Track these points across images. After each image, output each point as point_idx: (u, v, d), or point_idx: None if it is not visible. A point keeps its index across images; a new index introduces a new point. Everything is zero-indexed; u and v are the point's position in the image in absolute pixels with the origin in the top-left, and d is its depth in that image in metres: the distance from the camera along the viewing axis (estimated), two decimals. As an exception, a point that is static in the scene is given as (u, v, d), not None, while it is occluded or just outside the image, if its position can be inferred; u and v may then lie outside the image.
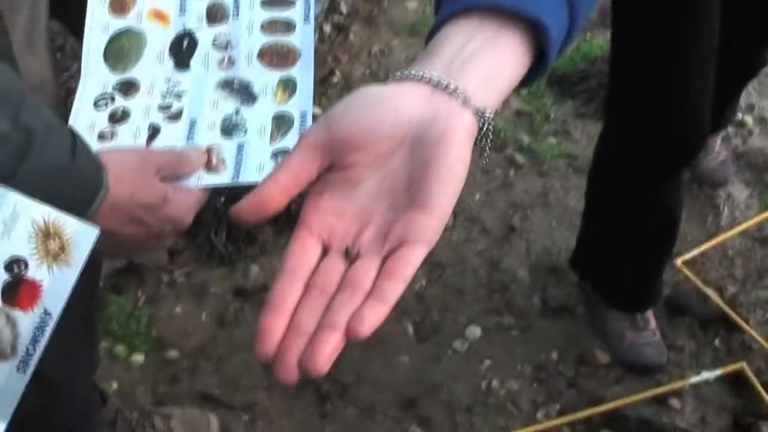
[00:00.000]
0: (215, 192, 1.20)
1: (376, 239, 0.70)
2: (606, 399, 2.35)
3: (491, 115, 0.75)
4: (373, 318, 0.66)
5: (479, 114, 0.73)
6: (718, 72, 2.05)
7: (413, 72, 0.73)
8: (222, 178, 1.18)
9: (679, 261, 2.69)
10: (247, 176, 1.18)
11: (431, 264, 2.66)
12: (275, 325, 0.66)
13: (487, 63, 0.75)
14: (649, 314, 2.49)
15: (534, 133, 3.20)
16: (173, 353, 2.40)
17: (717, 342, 2.55)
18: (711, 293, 2.63)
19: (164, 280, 2.60)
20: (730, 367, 2.45)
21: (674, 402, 2.37)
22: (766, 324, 2.63)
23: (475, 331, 2.50)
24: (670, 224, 2.32)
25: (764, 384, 2.42)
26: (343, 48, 3.56)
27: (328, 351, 0.65)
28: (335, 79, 3.39)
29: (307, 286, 0.69)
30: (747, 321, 2.59)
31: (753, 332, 2.55)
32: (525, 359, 2.45)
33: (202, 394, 2.31)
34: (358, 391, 2.32)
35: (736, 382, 2.45)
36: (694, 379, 2.41)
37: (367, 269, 0.69)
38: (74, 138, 0.97)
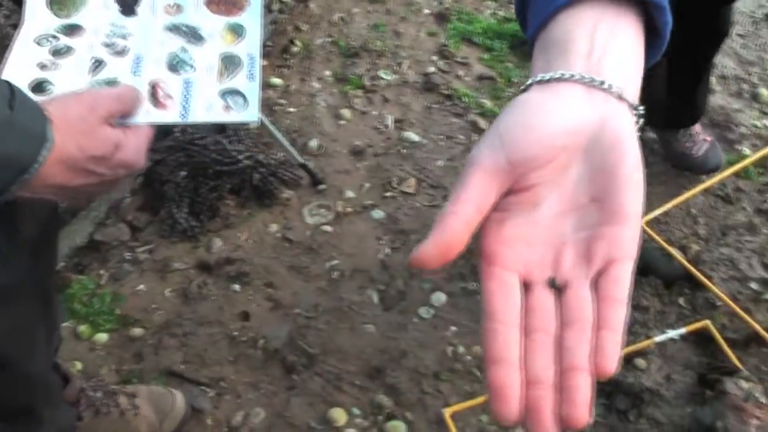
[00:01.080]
0: (162, 131, 1.19)
1: (578, 263, 0.66)
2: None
3: (642, 109, 0.71)
4: (614, 350, 0.63)
5: (634, 108, 0.70)
6: (684, 43, 2.04)
7: (558, 74, 0.69)
8: (170, 116, 1.16)
9: (642, 221, 2.69)
10: (196, 116, 1.16)
11: (395, 232, 2.65)
12: (511, 381, 0.61)
13: (621, 52, 0.71)
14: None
15: (496, 98, 3.18)
16: (137, 331, 2.38)
17: (681, 300, 2.56)
18: (675, 252, 2.63)
19: (126, 257, 2.58)
20: (695, 325, 2.46)
21: (640, 362, 2.38)
22: (729, 281, 2.63)
23: (440, 298, 2.49)
24: None
25: (728, 341, 2.43)
26: (304, 17, 3.53)
27: (585, 397, 0.62)
28: (296, 48, 3.36)
29: (526, 330, 0.64)
30: (711, 279, 2.59)
31: (717, 290, 2.56)
32: (491, 324, 2.44)
33: (167, 371, 2.29)
34: (325, 362, 2.31)
35: (700, 339, 2.46)
36: (659, 338, 2.42)
37: (583, 298, 0.65)
38: (12, 92, 0.95)
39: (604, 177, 0.66)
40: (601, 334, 0.63)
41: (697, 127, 2.89)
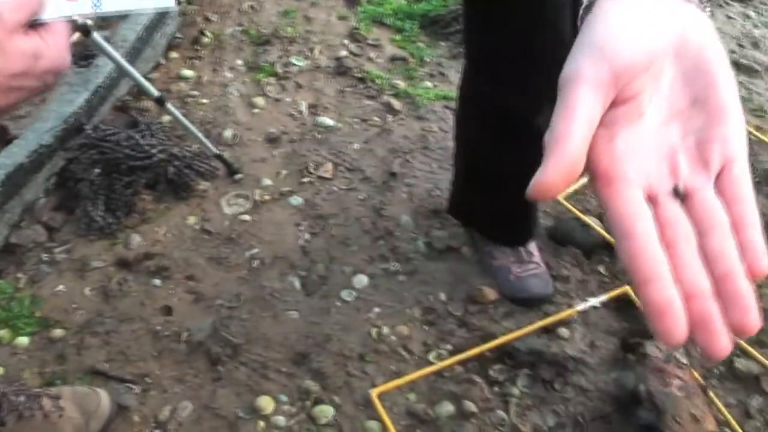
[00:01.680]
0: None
1: (694, 168, 0.64)
2: (497, 335, 2.37)
3: (708, 3, 0.70)
4: (763, 246, 0.60)
5: (702, 5, 0.69)
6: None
7: None
8: (82, 8, 1.10)
9: (560, 195, 2.72)
10: (110, 5, 1.11)
11: (314, 217, 2.65)
12: (672, 297, 0.58)
13: None
14: (533, 247, 2.52)
15: (409, 78, 3.19)
16: (59, 332, 2.35)
17: (601, 269, 2.60)
18: (592, 222, 2.67)
19: (44, 258, 2.54)
20: (615, 292, 2.50)
21: (563, 331, 2.41)
22: (647, 246, 2.67)
23: (362, 280, 2.50)
24: (541, 154, 2.32)
25: (648, 305, 2.47)
26: (213, 7, 3.51)
27: (752, 300, 0.58)
28: (206, 39, 3.33)
29: (667, 244, 0.60)
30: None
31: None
32: (414, 303, 2.46)
33: (91, 370, 2.27)
34: (249, 351, 2.30)
35: (622, 305, 2.50)
36: (581, 307, 2.45)
37: (712, 202, 0.63)
38: None
39: (699, 78, 0.66)
40: (744, 234, 0.61)
41: None
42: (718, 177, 0.63)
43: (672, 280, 0.58)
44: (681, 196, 0.63)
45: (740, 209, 0.62)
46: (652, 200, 0.62)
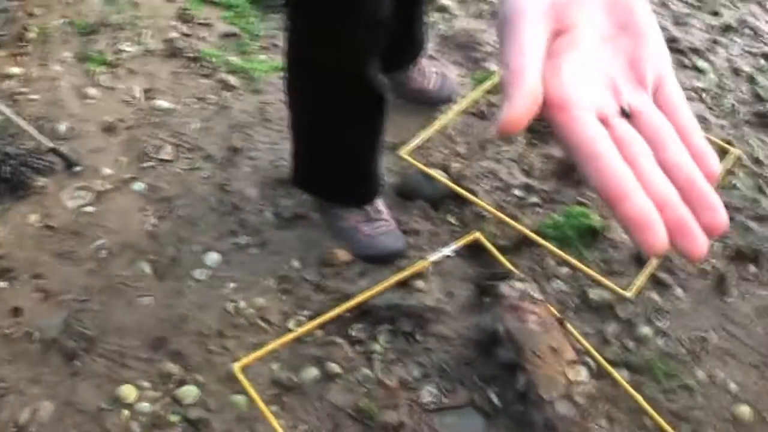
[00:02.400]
0: None
1: (634, 88, 0.67)
2: (353, 295, 2.38)
3: None
4: (709, 149, 0.64)
5: None
6: None
7: None
8: None
9: (402, 151, 2.75)
10: None
11: (159, 201, 2.60)
12: (649, 208, 0.59)
13: None
14: (380, 204, 2.53)
15: (243, 53, 3.16)
16: None
17: (451, 218, 2.62)
18: (437, 173, 2.69)
19: None
20: (466, 239, 2.53)
21: (419, 283, 2.43)
22: (493, 192, 2.72)
23: (213, 257, 2.47)
24: (375, 108, 2.33)
25: (500, 248, 2.52)
26: (36, 1, 3.40)
27: (715, 199, 0.61)
28: (31, 35, 3.23)
29: (628, 162, 0.62)
30: (475, 193, 2.67)
31: (482, 202, 2.64)
32: (268, 274, 2.44)
33: (-58, 383, 2.19)
34: (105, 342, 2.26)
35: (474, 251, 2.53)
36: (434, 257, 2.48)
37: (658, 117, 0.66)
38: None
39: (619, 5, 0.69)
40: (691, 141, 0.64)
41: (423, 63, 2.95)
42: (655, 93, 0.67)
43: (643, 193, 0.60)
44: (628, 115, 0.65)
45: (681, 120, 0.66)
46: (603, 123, 0.64)
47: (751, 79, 3.27)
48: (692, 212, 0.61)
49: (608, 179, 0.61)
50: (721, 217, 0.61)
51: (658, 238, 0.58)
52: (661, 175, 0.62)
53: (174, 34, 3.23)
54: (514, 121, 0.61)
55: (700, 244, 0.59)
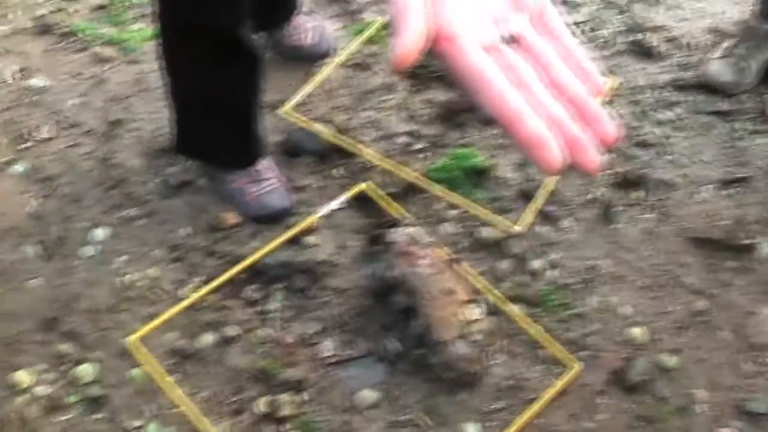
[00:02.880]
0: None
1: (515, 15, 0.69)
2: (245, 256, 2.37)
3: None
4: (591, 66, 0.68)
5: None
6: None
7: None
8: None
9: (284, 109, 2.74)
10: None
11: (41, 181, 2.56)
12: (543, 128, 0.61)
13: None
14: (265, 164, 2.52)
15: (117, 24, 3.11)
16: None
17: (338, 172, 2.62)
18: (320, 128, 2.69)
19: None
20: (354, 190, 2.54)
21: (311, 239, 2.43)
22: (378, 141, 2.73)
23: (101, 233, 2.44)
24: (251, 68, 2.31)
25: (388, 196, 2.53)
26: None
27: (603, 112, 0.64)
28: None
29: (517, 86, 0.64)
30: (361, 144, 2.67)
31: (367, 151, 2.64)
32: (158, 244, 2.42)
33: None
34: (-4, 328, 2.23)
35: (363, 202, 2.54)
36: (323, 212, 2.48)
37: (540, 41, 0.68)
38: None
39: None
40: (575, 61, 0.67)
41: (299, 19, 2.93)
42: (537, 22, 0.69)
43: (535, 115, 0.62)
44: (512, 41, 0.67)
45: (564, 42, 0.68)
46: (490, 51, 0.65)
47: (625, 10, 3.32)
48: (584, 128, 0.63)
49: (500, 104, 0.63)
50: (611, 129, 0.64)
51: (555, 156, 0.61)
52: (550, 96, 0.65)
53: (43, 11, 3.17)
54: (405, 55, 0.63)
55: (595, 157, 0.62)
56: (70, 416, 2.09)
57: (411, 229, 2.31)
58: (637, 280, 2.46)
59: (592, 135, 0.63)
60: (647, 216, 2.62)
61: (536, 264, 2.45)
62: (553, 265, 2.46)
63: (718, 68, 3.00)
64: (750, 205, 2.67)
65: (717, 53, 3.06)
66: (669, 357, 2.29)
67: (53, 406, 2.10)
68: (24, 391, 2.11)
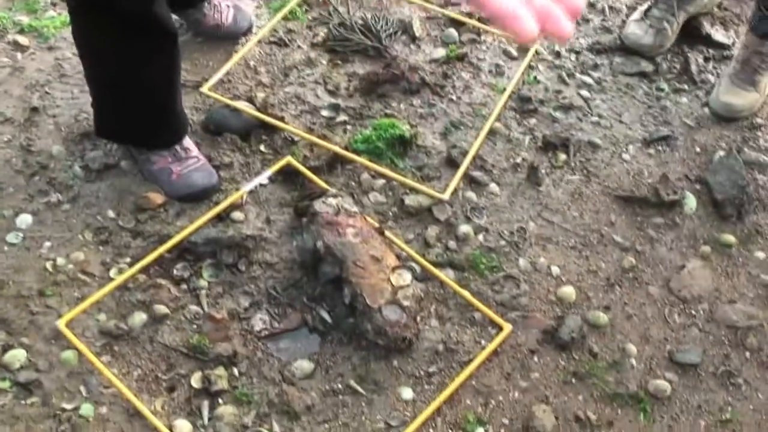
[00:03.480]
0: None
1: None
2: (172, 235, 2.36)
3: None
4: None
5: None
6: None
7: None
8: None
9: (205, 88, 2.73)
10: None
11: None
12: (516, 4, 0.67)
13: None
14: (188, 143, 2.50)
15: (32, 11, 3.07)
16: None
17: (261, 147, 2.62)
18: (241, 105, 2.68)
19: None
20: (278, 165, 2.53)
21: (237, 215, 2.43)
22: (302, 115, 2.73)
23: (26, 219, 2.41)
24: (166, 47, 2.29)
25: (313, 169, 2.53)
26: None
27: None
28: None
29: None
30: (283, 119, 2.67)
31: (290, 127, 2.64)
32: (83, 227, 2.39)
33: None
34: None
35: (288, 176, 2.54)
36: (248, 187, 2.47)
37: None
38: None
39: None
40: None
41: None
42: None
43: None
44: None
45: None
46: None
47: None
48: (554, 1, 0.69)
49: None
50: (578, 1, 0.70)
51: (529, 26, 0.66)
52: None
53: (-46, 2, 3.11)
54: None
55: (567, 26, 0.68)
56: (2, 402, 2.07)
57: (337, 200, 2.31)
58: (564, 241, 2.49)
59: (561, 7, 0.69)
60: (573, 177, 2.65)
61: (464, 229, 2.47)
62: (481, 230, 2.48)
63: (636, 31, 3.03)
64: (673, 162, 2.72)
65: (635, 16, 3.10)
66: (599, 314, 2.33)
67: (-17, 394, 2.08)
68: (-48, 382, 2.08)
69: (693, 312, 2.37)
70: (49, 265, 2.31)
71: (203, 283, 2.29)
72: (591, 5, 3.25)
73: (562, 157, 2.69)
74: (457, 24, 3.13)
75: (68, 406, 2.07)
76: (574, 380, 2.21)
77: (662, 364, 2.26)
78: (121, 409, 2.08)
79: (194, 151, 2.50)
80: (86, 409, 2.07)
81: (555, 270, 2.42)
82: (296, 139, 2.62)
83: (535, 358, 2.25)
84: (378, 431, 2.09)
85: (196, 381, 2.12)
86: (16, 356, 2.13)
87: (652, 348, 2.29)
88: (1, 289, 2.25)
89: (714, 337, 2.32)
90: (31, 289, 2.25)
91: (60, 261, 2.32)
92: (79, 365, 2.13)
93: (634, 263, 2.45)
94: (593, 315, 2.33)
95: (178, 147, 2.47)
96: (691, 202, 2.60)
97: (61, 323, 2.17)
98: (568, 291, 2.37)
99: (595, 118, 2.83)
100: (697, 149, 2.77)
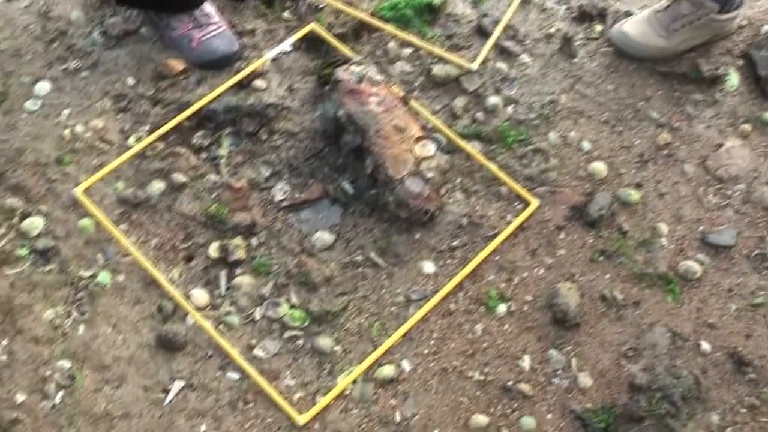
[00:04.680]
0: None
1: None
2: (192, 103, 2.31)
3: None
4: None
5: None
6: None
7: None
8: None
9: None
10: None
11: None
12: None
13: None
14: (210, 8, 2.43)
15: None
16: None
17: (286, 14, 2.54)
18: (267, -30, 2.59)
19: None
20: (302, 31, 2.46)
21: (259, 83, 2.37)
22: (328, -17, 2.65)
23: (44, 86, 2.37)
24: None
25: (338, 36, 2.45)
26: None
27: None
28: None
29: None
30: (307, -17, 2.59)
31: (315, -9, 2.56)
32: (102, 95, 2.35)
33: None
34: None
35: (312, 44, 2.47)
36: (271, 54, 2.41)
37: None
38: None
39: None
40: None
41: None
42: None
43: None
44: None
45: None
46: None
47: None
48: None
49: None
50: None
51: None
52: None
53: None
54: None
55: None
56: (20, 269, 2.06)
57: (360, 68, 2.23)
58: (597, 115, 2.41)
59: None
60: (608, 50, 2.55)
61: (493, 100, 2.39)
62: (511, 102, 2.40)
63: None
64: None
65: None
66: (630, 191, 2.26)
67: (3, 260, 2.07)
68: (-29, 247, 2.08)
69: (729, 192, 2.29)
70: (67, 132, 2.27)
71: (223, 152, 2.25)
72: None
73: (599, 28, 2.59)
74: None
75: (85, 274, 2.06)
76: (601, 258, 2.16)
77: (694, 245, 2.20)
78: (138, 278, 2.06)
79: (216, 17, 2.43)
80: (103, 276, 2.06)
81: (586, 145, 2.35)
82: (321, 5, 2.53)
83: (562, 235, 2.19)
84: (398, 305, 2.06)
85: (213, 250, 2.09)
86: (34, 224, 2.11)
87: (685, 228, 2.22)
88: (19, 157, 2.22)
89: (750, 218, 2.25)
90: (49, 157, 2.23)
91: (78, 128, 2.28)
92: (96, 233, 2.12)
93: (669, 140, 2.37)
94: (624, 192, 2.26)
95: (198, 12, 2.40)
96: (732, 78, 2.50)
97: (78, 191, 2.14)
98: (599, 167, 2.30)
99: (633, -12, 2.72)
100: (744, 21, 2.64)
